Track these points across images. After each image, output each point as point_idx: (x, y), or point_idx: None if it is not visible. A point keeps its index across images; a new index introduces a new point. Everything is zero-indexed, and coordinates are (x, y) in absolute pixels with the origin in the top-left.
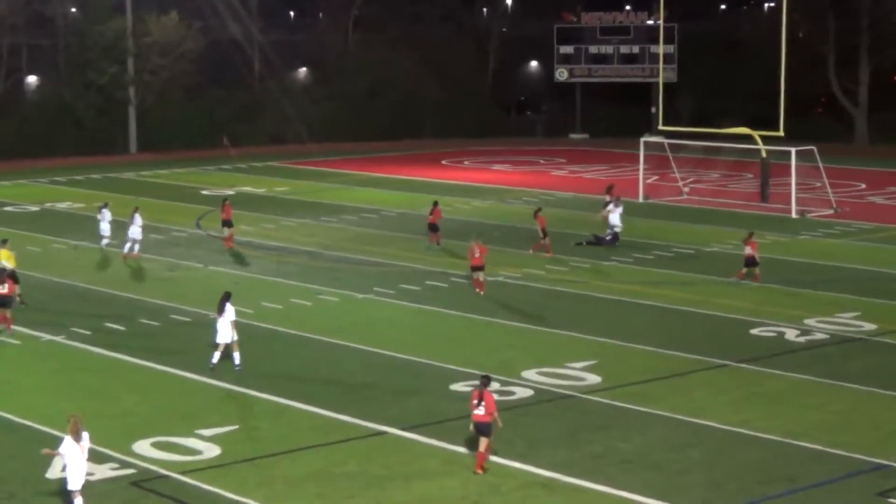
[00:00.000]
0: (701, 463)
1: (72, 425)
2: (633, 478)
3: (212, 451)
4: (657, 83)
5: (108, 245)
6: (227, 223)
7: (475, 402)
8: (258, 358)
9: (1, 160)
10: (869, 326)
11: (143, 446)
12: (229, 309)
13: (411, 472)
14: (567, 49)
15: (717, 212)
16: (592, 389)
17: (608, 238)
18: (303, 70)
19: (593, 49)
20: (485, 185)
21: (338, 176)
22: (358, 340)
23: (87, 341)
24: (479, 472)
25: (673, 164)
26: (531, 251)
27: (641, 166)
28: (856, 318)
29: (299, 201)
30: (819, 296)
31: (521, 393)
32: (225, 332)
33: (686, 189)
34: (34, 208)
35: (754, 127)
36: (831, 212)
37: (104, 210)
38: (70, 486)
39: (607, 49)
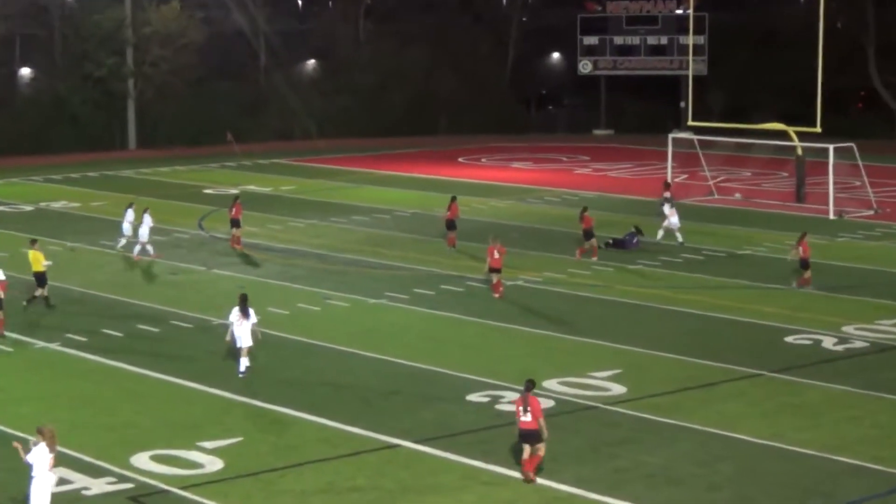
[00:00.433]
0: (731, 478)
1: (50, 436)
2: (658, 494)
3: (214, 464)
4: (686, 76)
5: (123, 247)
6: (235, 222)
7: (520, 408)
8: (263, 366)
9: None
10: None
11: (142, 459)
12: (251, 313)
13: (425, 487)
14: (591, 40)
15: (749, 213)
16: (617, 400)
17: (632, 240)
18: (311, 62)
19: (619, 40)
20: (503, 183)
21: (348, 174)
22: (369, 348)
23: (82, 348)
24: (533, 479)
25: (703, 162)
26: (577, 256)
27: (670, 164)
28: None
29: (307, 201)
30: (858, 301)
31: (542, 404)
32: (245, 336)
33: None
34: (28, 208)
35: (789, 123)
36: (871, 212)
37: (129, 210)
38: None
39: (634, 40)
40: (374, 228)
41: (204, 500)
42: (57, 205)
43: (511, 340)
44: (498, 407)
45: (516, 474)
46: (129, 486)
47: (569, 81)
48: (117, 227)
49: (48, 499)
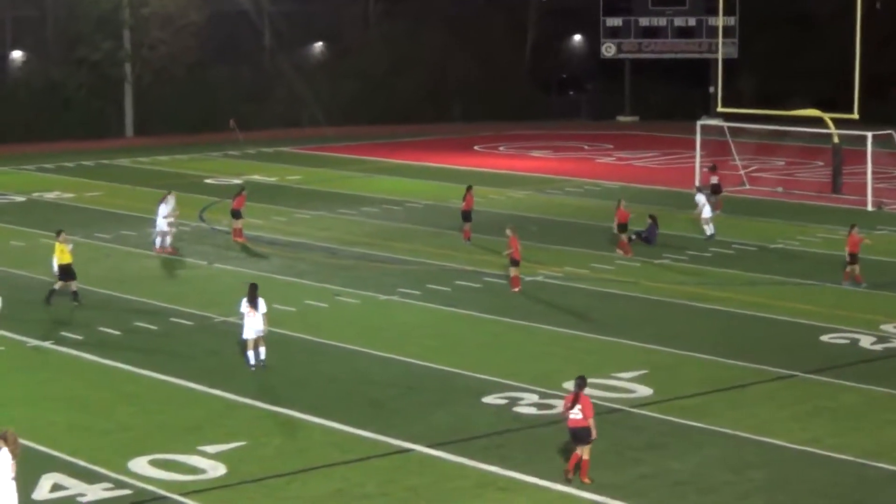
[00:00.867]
0: (764, 486)
1: (13, 441)
2: (686, 502)
3: (216, 469)
4: (716, 59)
5: (156, 242)
6: (236, 213)
7: (569, 405)
8: (268, 366)
9: None
10: None
11: (140, 464)
12: (261, 302)
13: (439, 494)
14: (615, 21)
15: (783, 204)
16: (642, 403)
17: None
18: (318, 45)
19: (644, 21)
20: (522, 173)
21: (357, 163)
22: (380, 347)
23: (77, 347)
24: (586, 480)
25: (733, 151)
26: (618, 251)
27: (698, 153)
28: None
29: (314, 191)
30: None
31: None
32: (257, 326)
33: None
34: (19, 199)
35: (825, 109)
36: None
37: (167, 199)
38: None
39: (660, 21)
40: (385, 220)
41: None
42: (50, 195)
43: (530, 339)
44: (516, 409)
45: (535, 480)
46: (127, 492)
47: (591, 65)
48: (113, 218)
49: None
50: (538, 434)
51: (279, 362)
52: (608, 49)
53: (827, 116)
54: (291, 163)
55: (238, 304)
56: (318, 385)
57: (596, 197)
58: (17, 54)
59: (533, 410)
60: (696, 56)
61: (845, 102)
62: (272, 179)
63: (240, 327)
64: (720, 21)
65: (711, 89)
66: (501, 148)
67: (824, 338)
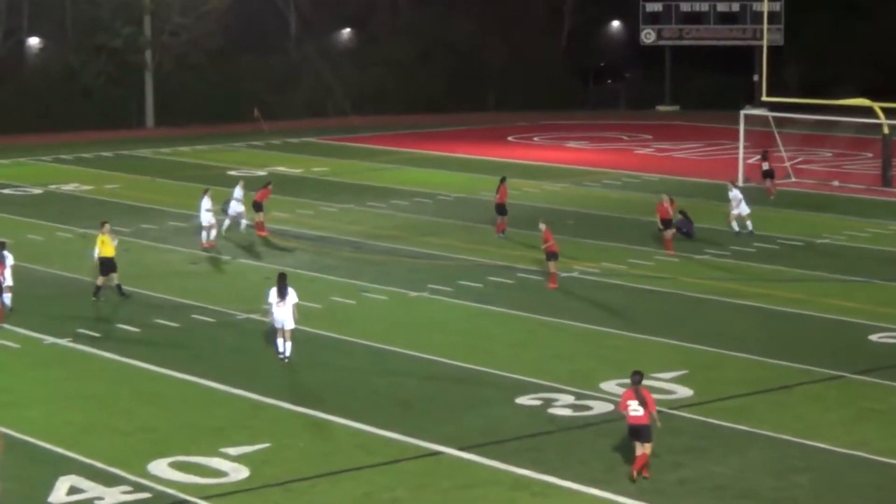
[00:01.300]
0: (809, 491)
1: None
2: None
3: (239, 472)
4: (760, 46)
5: (203, 236)
6: (257, 206)
7: (631, 402)
8: (293, 365)
9: None
10: None
11: (160, 466)
12: (291, 292)
13: (470, 499)
14: (655, 6)
15: (830, 197)
16: (682, 404)
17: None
18: (346, 31)
19: (685, 6)
20: (557, 165)
21: (386, 154)
22: (409, 346)
23: (96, 345)
24: (647, 475)
25: (779, 142)
26: (669, 250)
27: (741, 144)
28: None
29: (341, 183)
30: None
31: (599, 408)
32: (287, 318)
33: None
34: (36, 191)
35: (875, 98)
36: None
37: (206, 197)
38: None
39: (702, 6)
40: (414, 214)
41: None
42: (67, 187)
43: (565, 337)
44: (550, 411)
45: (570, 485)
46: (146, 495)
47: (630, 52)
48: (133, 211)
49: None
50: (574, 437)
51: (304, 361)
52: (648, 35)
53: (877, 106)
54: (318, 154)
55: (266, 294)
56: (344, 385)
57: (634, 190)
58: (34, 41)
59: (568, 412)
60: (739, 43)
61: None
62: (297, 171)
63: (263, 324)
64: (765, 6)
65: (755, 77)
66: (536, 139)
67: (873, 337)
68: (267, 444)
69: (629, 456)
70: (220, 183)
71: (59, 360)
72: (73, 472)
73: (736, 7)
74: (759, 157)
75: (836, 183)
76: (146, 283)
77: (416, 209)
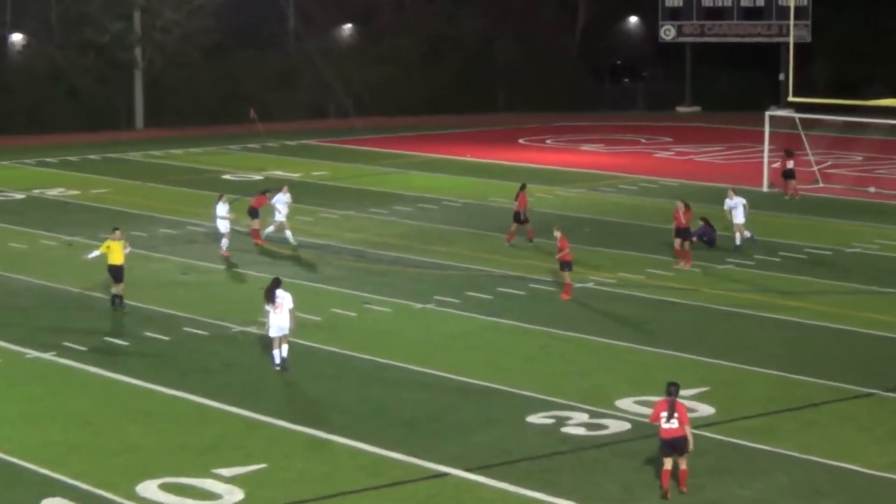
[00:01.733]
0: None
1: None
2: None
3: (233, 495)
4: (787, 44)
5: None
6: (253, 212)
7: (664, 413)
8: (291, 381)
9: None
10: None
11: (150, 488)
12: (286, 296)
13: None
14: (674, 1)
15: (860, 203)
16: (704, 423)
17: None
18: (348, 27)
19: (707, 1)
20: (571, 169)
21: (390, 157)
22: (414, 361)
23: (82, 359)
24: (685, 490)
25: (806, 145)
26: (683, 265)
27: (766, 147)
28: None
29: (342, 188)
30: None
31: (616, 427)
32: (282, 324)
33: (871, 189)
34: (19, 196)
35: None
36: None
37: (220, 203)
38: None
39: (725, 1)
40: (419, 221)
41: None
42: (53, 192)
43: (579, 352)
44: (564, 430)
45: None
46: None
47: (648, 50)
48: (122, 217)
49: None
50: (588, 457)
51: (303, 377)
52: (667, 32)
53: None
54: (317, 157)
55: (264, 304)
56: (345, 402)
57: (653, 195)
58: (17, 37)
59: (582, 431)
60: (764, 40)
61: None
62: (296, 175)
63: (259, 338)
64: (791, 1)
65: (781, 77)
66: (549, 141)
67: None
68: (263, 465)
69: (646, 478)
70: (214, 188)
71: (42, 375)
72: (57, 495)
73: (761, 2)
74: (783, 154)
75: (872, 189)
76: (135, 293)
77: (422, 216)
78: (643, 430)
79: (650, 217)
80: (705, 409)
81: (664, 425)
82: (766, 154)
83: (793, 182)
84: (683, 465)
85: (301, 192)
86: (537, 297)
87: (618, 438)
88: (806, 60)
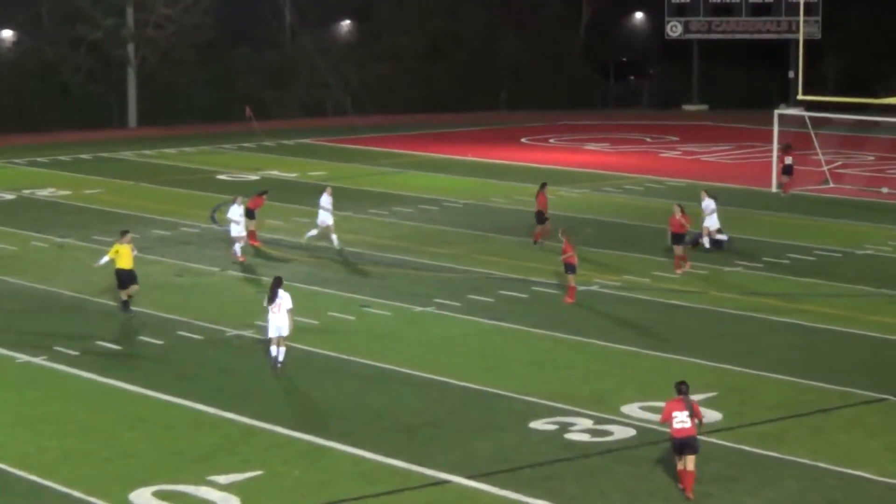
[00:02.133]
0: None
1: None
2: None
3: (229, 502)
4: (796, 40)
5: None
6: (249, 213)
7: (680, 413)
8: (288, 386)
9: None
10: None
11: (144, 496)
12: (285, 297)
13: None
14: None
15: (871, 204)
16: (712, 429)
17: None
18: (346, 23)
19: None
20: (575, 169)
21: (389, 157)
22: (414, 365)
23: (74, 364)
24: (691, 496)
25: (816, 144)
26: (677, 270)
27: (775, 146)
28: None
29: (340, 189)
30: None
31: (621, 433)
32: (281, 324)
33: (884, 189)
34: (8, 196)
35: None
36: None
37: (235, 204)
38: None
39: None
40: (420, 222)
41: None
42: (43, 192)
43: (583, 357)
44: (567, 436)
45: None
46: None
47: (654, 47)
48: (114, 218)
49: None
50: (592, 464)
51: (300, 381)
52: (674, 28)
53: None
54: (315, 156)
55: (262, 299)
56: (343, 408)
57: (659, 196)
58: (6, 33)
59: (586, 437)
60: (773, 36)
61: None
62: (293, 175)
63: (255, 342)
64: None
65: (791, 74)
66: (552, 140)
67: None
68: (259, 472)
69: (651, 485)
70: (208, 188)
71: (33, 380)
72: (49, 502)
73: None
74: (781, 148)
75: (885, 190)
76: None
77: (422, 217)
78: (649, 436)
79: (656, 218)
80: (713, 415)
81: (677, 425)
82: (774, 153)
83: (786, 178)
84: (691, 466)
85: (298, 193)
86: (540, 300)
87: (623, 445)
88: (816, 57)
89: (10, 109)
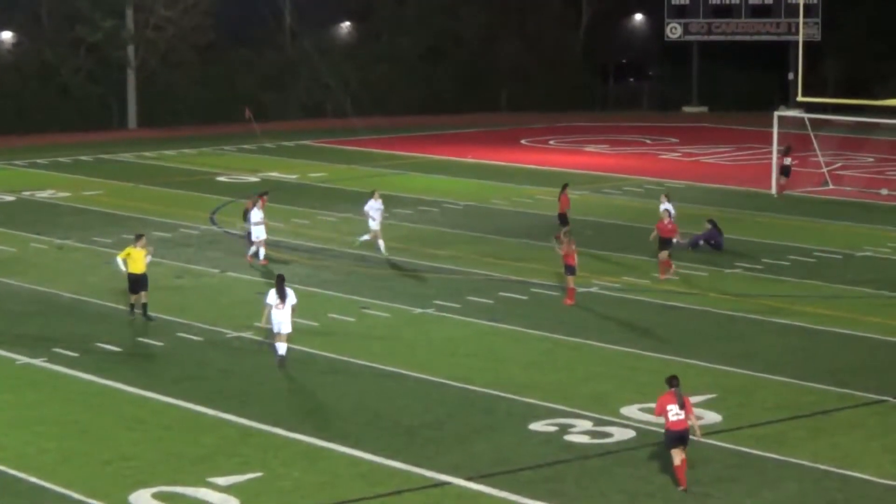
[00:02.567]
0: None
1: None
2: None
3: None
4: (796, 42)
5: (259, 254)
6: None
7: (673, 406)
8: (288, 387)
9: None
10: None
11: (143, 497)
12: (289, 293)
13: None
14: None
15: (871, 206)
16: (711, 431)
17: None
18: (346, 25)
19: None
20: (575, 170)
21: (389, 158)
22: (413, 367)
23: (73, 365)
24: (685, 487)
25: (816, 146)
26: (661, 276)
27: (775, 148)
28: None
29: (340, 190)
30: None
31: (620, 435)
32: (286, 320)
33: (883, 191)
34: (8, 198)
35: None
36: None
37: (255, 209)
38: None
39: None
40: (419, 224)
41: None
42: (43, 194)
43: (583, 358)
44: (567, 438)
45: None
46: None
47: (654, 48)
48: (114, 220)
49: None
50: (592, 466)
51: (300, 383)
52: (673, 30)
53: None
54: (315, 158)
55: (265, 295)
56: (343, 409)
57: (658, 198)
58: (6, 35)
59: (586, 439)
60: (773, 38)
61: None
62: (293, 177)
63: (254, 343)
64: None
65: (790, 76)
66: (552, 142)
67: None
68: (259, 474)
69: (651, 487)
70: (208, 190)
71: (33, 381)
72: (48, 503)
73: None
74: (781, 151)
75: (884, 192)
76: (126, 298)
77: (422, 218)
78: (648, 437)
79: (655, 220)
80: (712, 417)
81: (672, 418)
82: (774, 155)
83: (783, 180)
84: (683, 455)
85: (298, 194)
86: (540, 301)
87: (623, 446)
88: (815, 59)
89: (9, 111)
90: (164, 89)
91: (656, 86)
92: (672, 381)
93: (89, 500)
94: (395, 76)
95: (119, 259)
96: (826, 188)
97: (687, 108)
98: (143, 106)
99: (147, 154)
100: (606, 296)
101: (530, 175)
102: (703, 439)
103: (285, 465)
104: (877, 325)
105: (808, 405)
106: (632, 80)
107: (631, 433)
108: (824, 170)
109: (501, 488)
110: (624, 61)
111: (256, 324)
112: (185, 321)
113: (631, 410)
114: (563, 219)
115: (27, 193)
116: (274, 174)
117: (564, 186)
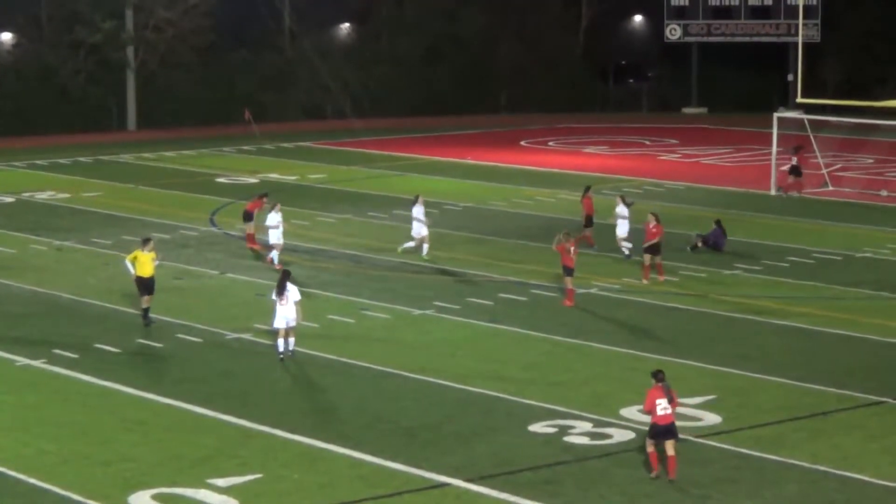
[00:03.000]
0: None
1: None
2: None
3: None
4: (795, 43)
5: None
6: (248, 216)
7: (660, 401)
8: (287, 389)
9: None
10: None
11: (143, 499)
12: (292, 289)
13: None
14: (680, 0)
15: (871, 207)
16: (711, 432)
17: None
18: (345, 26)
19: (714, 0)
20: (574, 172)
21: (388, 160)
22: (413, 368)
23: (73, 366)
24: (674, 477)
25: (815, 147)
26: (644, 280)
27: (774, 149)
28: None
29: (340, 192)
30: None
31: (620, 436)
32: (288, 316)
33: (883, 192)
34: (8, 199)
35: None
36: None
37: (273, 212)
38: None
39: (732, 0)
40: None
41: None
42: (42, 195)
43: (583, 360)
44: (567, 439)
45: None
46: None
47: (654, 50)
48: (113, 221)
49: None
50: (592, 467)
51: (299, 384)
52: (673, 31)
53: None
54: (314, 159)
55: (269, 292)
56: (343, 411)
57: (659, 199)
58: (6, 36)
59: (586, 440)
60: (772, 39)
61: None
62: (292, 178)
63: (254, 345)
64: None
65: (790, 77)
66: (551, 143)
67: None
68: (258, 475)
69: (650, 488)
70: (208, 191)
71: (32, 383)
72: None
73: (769, 1)
74: (791, 150)
75: (884, 193)
76: (127, 300)
77: None
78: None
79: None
80: (712, 418)
81: (660, 412)
82: (774, 156)
83: (791, 179)
84: (672, 451)
85: (297, 196)
86: (539, 303)
87: (622, 448)
88: (815, 60)
89: (9, 112)
90: (163, 90)
91: (656, 87)
92: (658, 375)
93: (89, 502)
94: (394, 77)
95: (127, 262)
96: (826, 189)
97: (686, 110)
98: (143, 107)
99: (146, 155)
100: (606, 297)
101: (530, 176)
102: (702, 440)
103: (285, 466)
104: (876, 327)
105: (807, 406)
106: (631, 81)
107: (630, 434)
108: (824, 171)
109: (501, 489)
110: (623, 62)
111: (257, 325)
112: (185, 322)
113: (630, 412)
114: (588, 221)
115: (27, 195)
116: (273, 175)
117: (587, 189)
